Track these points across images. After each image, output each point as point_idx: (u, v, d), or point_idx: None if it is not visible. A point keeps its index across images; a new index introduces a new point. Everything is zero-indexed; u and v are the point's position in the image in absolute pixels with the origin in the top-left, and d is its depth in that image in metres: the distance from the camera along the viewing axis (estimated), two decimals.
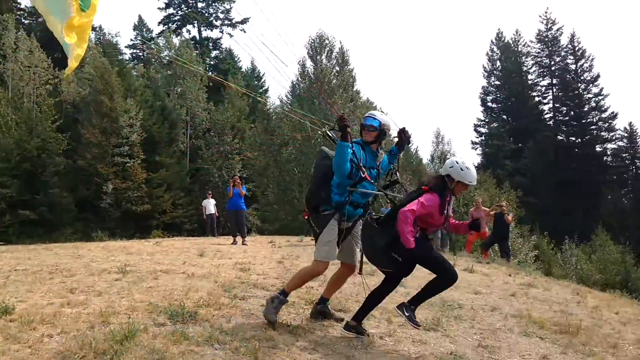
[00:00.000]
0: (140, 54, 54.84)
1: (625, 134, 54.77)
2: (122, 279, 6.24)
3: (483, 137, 60.99)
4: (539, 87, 60.12)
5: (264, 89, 51.43)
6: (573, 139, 57.01)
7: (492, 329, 5.49)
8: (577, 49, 56.48)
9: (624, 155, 55.15)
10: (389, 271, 4.52)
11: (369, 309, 4.64)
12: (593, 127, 55.69)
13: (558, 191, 50.04)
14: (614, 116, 54.70)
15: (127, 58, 52.26)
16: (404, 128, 4.89)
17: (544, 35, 58.56)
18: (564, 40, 57.86)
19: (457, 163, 4.44)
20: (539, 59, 59.82)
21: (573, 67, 56.88)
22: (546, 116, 58.97)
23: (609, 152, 55.97)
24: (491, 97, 62.43)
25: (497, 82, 61.86)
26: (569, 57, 57.26)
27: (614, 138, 55.45)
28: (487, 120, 61.88)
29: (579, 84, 56.35)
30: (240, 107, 39.70)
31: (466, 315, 5.90)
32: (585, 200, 50.34)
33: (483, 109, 62.28)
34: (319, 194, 4.63)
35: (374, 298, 4.60)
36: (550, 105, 58.75)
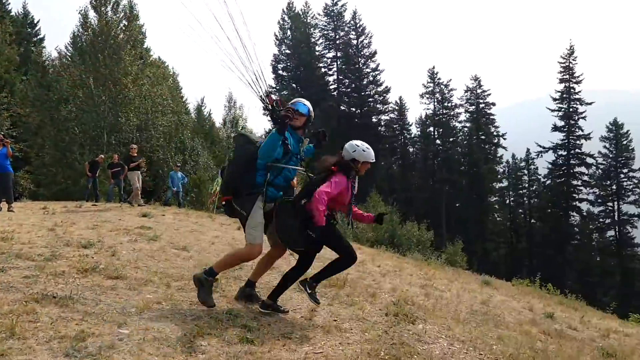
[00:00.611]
0: None
1: (396, 107, 61.25)
2: None
3: None
4: (325, 59, 63.66)
5: (39, 37, 45.81)
6: (354, 109, 61.86)
7: (268, 287, 5.78)
8: (358, 25, 60.95)
9: (394, 126, 61.68)
10: (300, 251, 4.74)
11: (283, 289, 4.84)
12: (370, 99, 61.09)
13: None
14: (387, 90, 60.70)
15: None
16: (324, 131, 5.08)
17: (330, 9, 61.86)
18: (347, 16, 61.98)
19: (358, 146, 4.75)
20: (325, 32, 63.13)
21: (355, 42, 61.30)
22: (331, 87, 62.83)
23: (382, 123, 62.06)
24: (282, 65, 64.34)
25: (288, 51, 63.88)
26: (352, 32, 61.54)
27: (387, 110, 61.63)
28: (278, 87, 63.74)
29: (360, 59, 61.06)
30: (8, 56, 34.78)
31: (245, 275, 6.09)
32: None
33: (274, 77, 63.99)
34: (244, 179, 4.59)
35: (289, 279, 4.81)
36: (335, 76, 62.71)
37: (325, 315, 4.98)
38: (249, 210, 4.56)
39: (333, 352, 3.95)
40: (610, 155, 54.03)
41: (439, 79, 59.87)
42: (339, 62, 62.23)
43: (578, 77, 54.73)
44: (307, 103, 4.88)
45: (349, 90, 62.12)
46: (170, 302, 4.65)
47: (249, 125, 42.95)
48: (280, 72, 64.03)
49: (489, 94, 60.65)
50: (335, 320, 4.81)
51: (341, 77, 62.25)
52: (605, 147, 54.45)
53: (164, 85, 35.57)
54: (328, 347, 4.05)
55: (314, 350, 3.93)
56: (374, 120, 61.03)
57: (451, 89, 60.13)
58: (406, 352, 4.15)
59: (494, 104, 61.22)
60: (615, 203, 53.20)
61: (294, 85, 63.61)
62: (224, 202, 4.92)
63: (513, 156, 62.38)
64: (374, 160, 4.86)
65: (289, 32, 63.68)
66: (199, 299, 4.61)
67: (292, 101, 4.84)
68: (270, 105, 4.76)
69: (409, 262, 12.27)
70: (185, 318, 4.23)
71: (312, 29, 64.14)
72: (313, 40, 63.87)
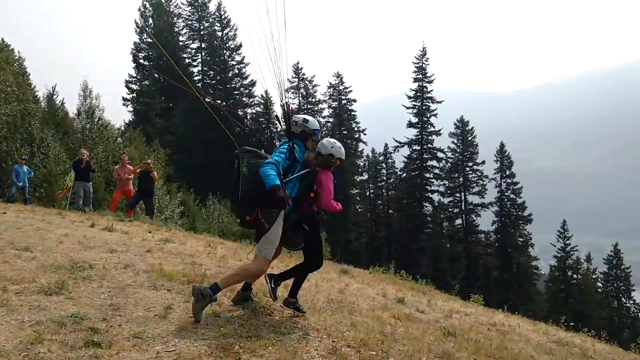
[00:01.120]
0: None
1: (262, 101, 61.34)
2: None
3: (135, 94, 59.85)
4: (190, 50, 61.99)
5: None
6: (219, 101, 60.86)
7: (121, 286, 5.54)
8: (223, 17, 60.03)
9: (260, 120, 61.76)
10: (304, 249, 5.14)
11: (299, 286, 5.34)
12: (236, 92, 60.55)
13: (205, 150, 52.94)
14: (253, 84, 60.47)
15: None
16: None
17: None
18: (212, 7, 60.75)
19: (335, 143, 5.11)
20: (189, 22, 61.46)
21: (220, 34, 60.33)
22: (196, 78, 61.28)
23: (248, 116, 61.84)
24: (143, 55, 61.49)
25: (149, 40, 61.15)
26: (217, 24, 60.48)
27: (253, 104, 61.56)
28: (138, 77, 60.83)
29: (225, 51, 60.23)
30: None
31: (96, 275, 5.80)
32: (226, 158, 54.77)
33: (135, 66, 60.93)
34: (264, 193, 4.62)
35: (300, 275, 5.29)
36: (200, 68, 61.30)
37: (181, 312, 4.88)
38: (271, 225, 4.73)
39: (187, 349, 3.89)
40: (458, 150, 58.71)
41: (304, 74, 61.05)
42: (203, 54, 60.93)
43: (430, 77, 58.73)
44: (317, 123, 5.18)
45: (214, 82, 61.02)
46: (5, 307, 4.27)
47: (106, 115, 40.43)
48: (141, 61, 61.13)
49: (351, 91, 63.01)
50: (191, 317, 4.73)
51: (206, 69, 61.04)
52: (453, 142, 59.05)
53: (7, 71, 32.35)
54: (182, 344, 3.98)
55: (167, 349, 3.84)
56: (240, 113, 60.55)
57: (315, 85, 61.61)
58: (262, 344, 4.21)
59: (355, 100, 63.66)
60: (462, 194, 57.98)
61: (156, 75, 61.10)
62: (247, 222, 4.97)
63: (373, 150, 65.64)
64: (344, 158, 5.20)
65: (150, 20, 60.98)
66: (192, 309, 4.57)
67: (310, 125, 5.10)
68: (286, 114, 5.02)
69: None
70: (22, 324, 3.92)
71: (175, 18, 62.06)
72: (177, 29, 61.85)
